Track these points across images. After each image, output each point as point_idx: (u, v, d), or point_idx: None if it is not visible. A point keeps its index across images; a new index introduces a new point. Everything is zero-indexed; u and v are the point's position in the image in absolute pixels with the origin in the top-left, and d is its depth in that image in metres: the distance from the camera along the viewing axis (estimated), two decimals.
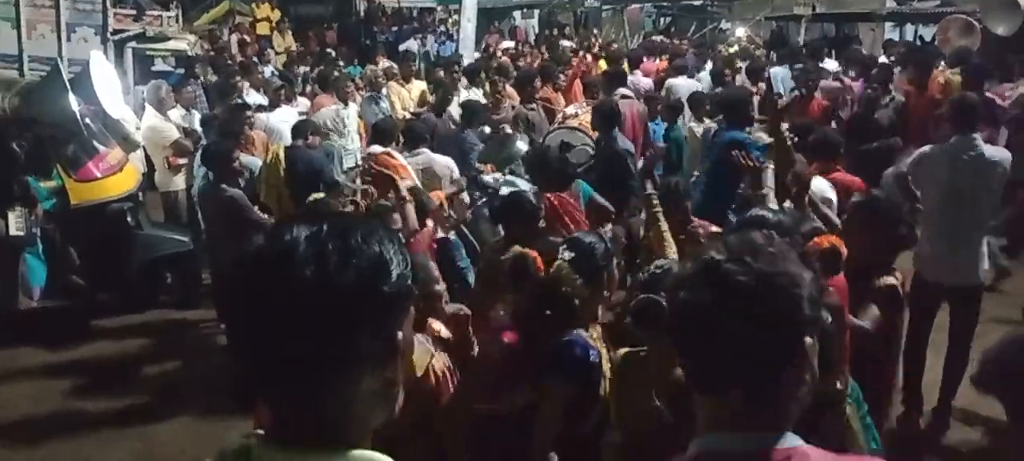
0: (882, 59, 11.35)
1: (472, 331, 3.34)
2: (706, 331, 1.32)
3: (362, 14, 18.56)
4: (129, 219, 6.73)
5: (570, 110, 8.24)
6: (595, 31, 16.34)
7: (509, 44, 14.02)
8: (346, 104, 8.25)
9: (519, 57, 12.45)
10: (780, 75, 10.72)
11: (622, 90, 8.23)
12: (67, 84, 6.61)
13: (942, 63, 9.48)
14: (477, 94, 9.14)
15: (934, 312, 4.94)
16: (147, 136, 7.53)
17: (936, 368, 4.96)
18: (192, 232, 7.12)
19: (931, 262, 4.86)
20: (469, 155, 6.64)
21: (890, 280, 3.76)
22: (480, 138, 7.61)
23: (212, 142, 6.62)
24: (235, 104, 7.82)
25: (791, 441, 1.30)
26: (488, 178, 6.50)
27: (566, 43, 13.88)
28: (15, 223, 6.20)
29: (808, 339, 1.30)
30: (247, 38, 14.40)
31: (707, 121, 7.47)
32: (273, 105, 8.31)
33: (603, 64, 11.04)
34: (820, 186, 4.80)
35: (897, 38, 15.52)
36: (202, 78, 10.51)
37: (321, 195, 4.94)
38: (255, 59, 11.84)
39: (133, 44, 10.46)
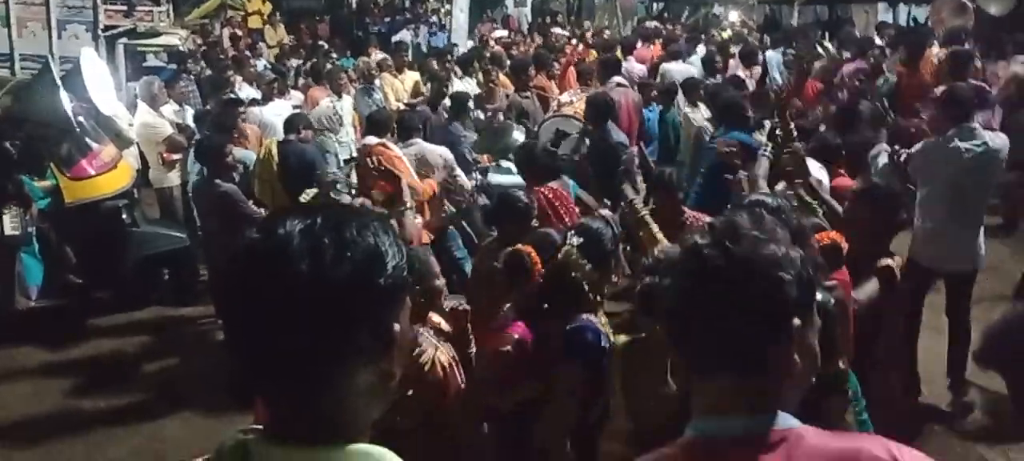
0: (877, 41, 11.34)
1: (471, 328, 3.34)
2: (691, 316, 1.33)
3: (354, 6, 18.49)
4: (124, 216, 6.72)
5: (564, 98, 8.23)
6: (587, 22, 16.29)
7: (502, 33, 13.96)
8: (340, 96, 8.24)
9: (512, 46, 12.41)
10: (774, 60, 10.72)
11: (616, 79, 8.20)
12: (58, 82, 6.58)
13: (935, 44, 9.47)
14: (471, 84, 9.12)
15: (925, 294, 4.98)
16: (140, 132, 7.50)
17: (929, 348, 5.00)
18: (188, 228, 7.11)
19: (932, 248, 4.88)
20: (457, 147, 6.63)
21: (888, 262, 3.81)
22: (477, 126, 7.61)
23: (205, 137, 6.60)
24: (227, 99, 7.79)
25: (786, 422, 1.30)
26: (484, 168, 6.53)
27: (559, 31, 13.84)
28: (10, 223, 6.19)
29: (796, 320, 1.29)
30: (239, 32, 14.36)
31: (702, 112, 7.44)
32: (266, 99, 8.28)
33: (594, 53, 11.00)
34: (811, 167, 4.81)
35: (891, 19, 15.49)
36: (194, 73, 10.48)
37: (314, 191, 4.91)
38: (247, 53, 11.80)
39: (124, 40, 10.40)
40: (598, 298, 3.26)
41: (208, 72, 10.41)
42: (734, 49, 10.92)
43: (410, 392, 2.91)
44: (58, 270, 6.61)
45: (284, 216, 1.13)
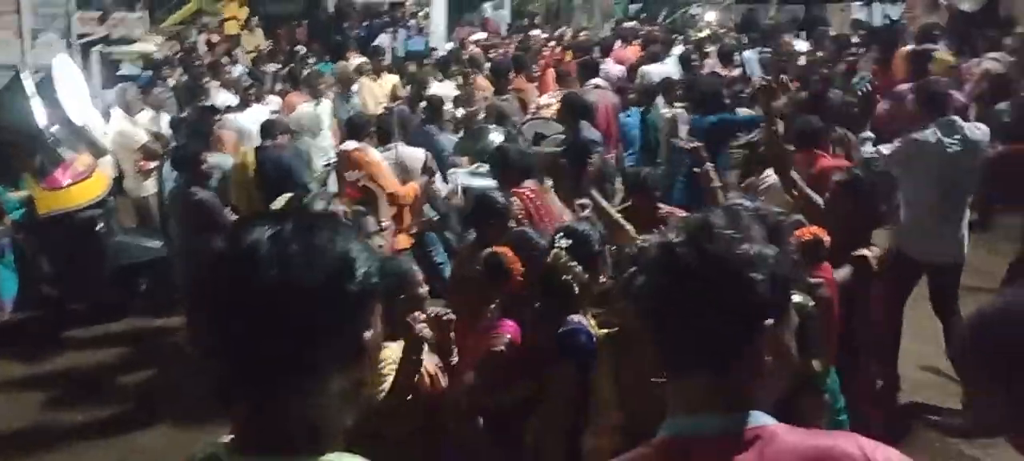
0: (855, 39, 11.46)
1: (454, 335, 3.33)
2: (665, 313, 1.33)
3: (332, 10, 18.42)
4: (100, 226, 6.63)
5: (543, 100, 8.25)
6: (564, 27, 16.32)
7: (481, 35, 13.95)
8: (318, 101, 8.20)
9: (491, 48, 12.40)
10: (751, 59, 10.80)
11: (594, 81, 8.24)
12: (29, 91, 6.50)
13: (911, 42, 9.58)
14: (449, 86, 9.10)
15: (912, 288, 5.02)
16: (115, 141, 7.43)
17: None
18: (165, 237, 7.04)
19: (918, 240, 4.94)
20: (433, 148, 6.64)
21: (864, 252, 3.87)
22: (456, 126, 7.61)
23: (181, 145, 6.55)
24: (204, 106, 7.74)
25: (759, 420, 1.30)
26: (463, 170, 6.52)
27: (537, 33, 13.85)
28: None
29: (770, 320, 1.29)
30: (215, 38, 14.25)
31: (676, 107, 7.49)
32: (243, 105, 8.23)
33: (572, 55, 11.03)
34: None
35: (865, 18, 15.63)
36: (170, 80, 10.40)
37: (288, 196, 4.86)
38: (224, 59, 11.73)
39: (99, 47, 10.31)
40: (589, 298, 3.28)
41: (184, 79, 10.33)
42: (710, 48, 10.98)
43: (408, 399, 2.93)
44: (33, 282, 6.52)
45: (252, 224, 1.12)
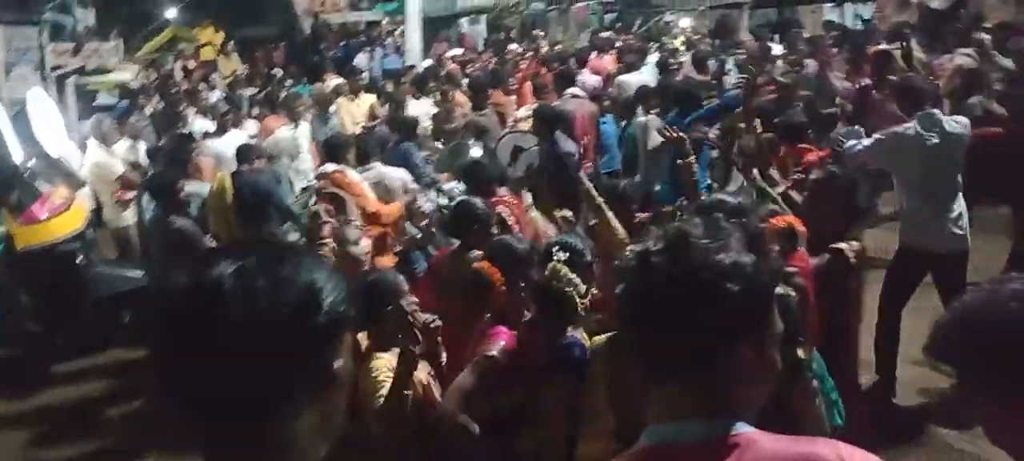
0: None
1: (442, 341, 3.34)
2: (644, 322, 1.34)
3: (308, 32, 18.41)
4: (79, 259, 6.59)
5: (521, 113, 8.26)
6: (541, 33, 16.36)
7: (458, 52, 13.98)
8: (296, 124, 8.18)
9: (468, 64, 12.42)
10: (727, 64, 10.84)
11: (572, 90, 8.27)
12: (5, 126, 6.46)
13: (883, 42, 9.68)
14: (427, 104, 9.11)
15: (916, 282, 5.06)
16: (93, 172, 7.39)
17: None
18: (146, 266, 6.99)
19: (917, 232, 5.03)
20: (410, 167, 6.65)
21: (841, 244, 3.92)
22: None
23: (158, 173, 6.52)
24: (180, 133, 7.71)
25: (740, 428, 1.31)
26: (446, 186, 6.50)
27: (514, 46, 13.89)
28: None
29: (750, 328, 1.30)
30: (191, 64, 14.21)
31: (652, 114, 7.54)
32: (221, 130, 8.20)
33: (546, 68, 11.08)
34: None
35: (838, 18, 15.78)
36: (147, 108, 10.35)
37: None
38: (200, 85, 11.69)
39: (74, 78, 10.26)
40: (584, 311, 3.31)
41: (161, 106, 10.28)
42: (686, 56, 11.04)
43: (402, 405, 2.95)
44: (15, 318, 6.46)
45: (216, 258, 1.11)
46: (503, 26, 18.71)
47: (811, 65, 9.06)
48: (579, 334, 3.20)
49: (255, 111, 10.00)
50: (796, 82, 7.67)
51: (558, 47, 13.65)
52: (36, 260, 6.38)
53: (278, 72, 12.82)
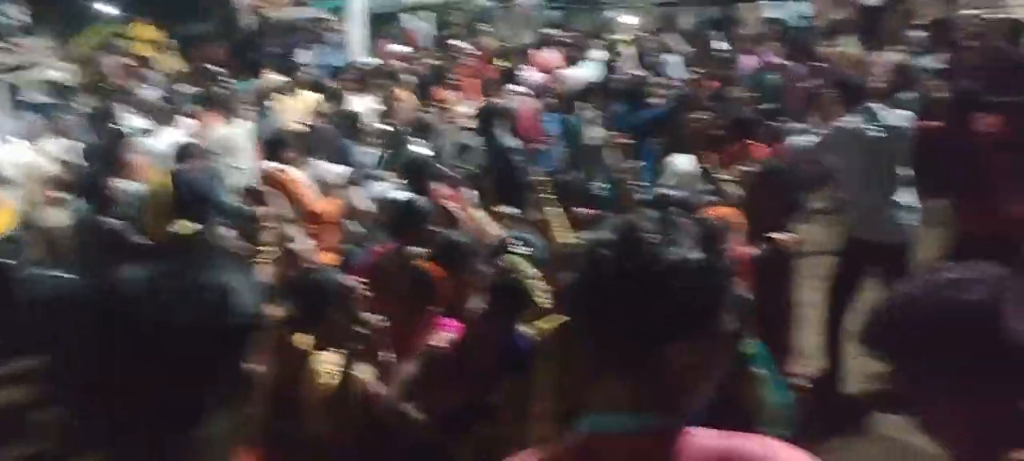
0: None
1: (390, 341, 3.31)
2: (587, 313, 1.35)
3: (250, 28, 18.07)
4: (10, 261, 6.38)
5: (465, 110, 8.24)
6: (488, 29, 16.34)
7: (402, 48, 13.86)
8: (236, 121, 8.02)
9: (413, 60, 12.33)
10: (671, 61, 10.97)
11: (516, 87, 8.27)
12: None
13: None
14: (369, 100, 9.02)
15: (861, 274, 5.15)
16: (23, 172, 7.14)
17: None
18: (78, 268, 6.77)
19: (862, 222, 5.13)
20: (349, 164, 6.59)
21: (779, 235, 4.00)
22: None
23: (91, 172, 6.34)
24: (113, 131, 7.51)
25: (676, 424, 1.31)
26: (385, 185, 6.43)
27: (459, 43, 13.84)
28: None
29: (696, 325, 1.30)
30: (127, 60, 13.83)
31: (594, 111, 7.60)
32: (157, 128, 8.00)
33: (494, 63, 11.08)
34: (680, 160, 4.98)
35: (783, 15, 16.07)
36: (80, 106, 10.04)
37: (197, 226, 4.71)
38: (136, 81, 11.40)
39: (3, 76, 9.91)
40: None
41: (95, 104, 9.99)
42: (630, 52, 11.14)
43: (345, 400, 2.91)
44: None
45: (127, 263, 1.09)
46: (449, 22, 18.63)
47: (748, 62, 9.23)
48: (531, 331, 3.19)
49: (193, 108, 9.76)
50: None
51: (505, 43, 13.65)
52: None
53: (217, 68, 12.55)
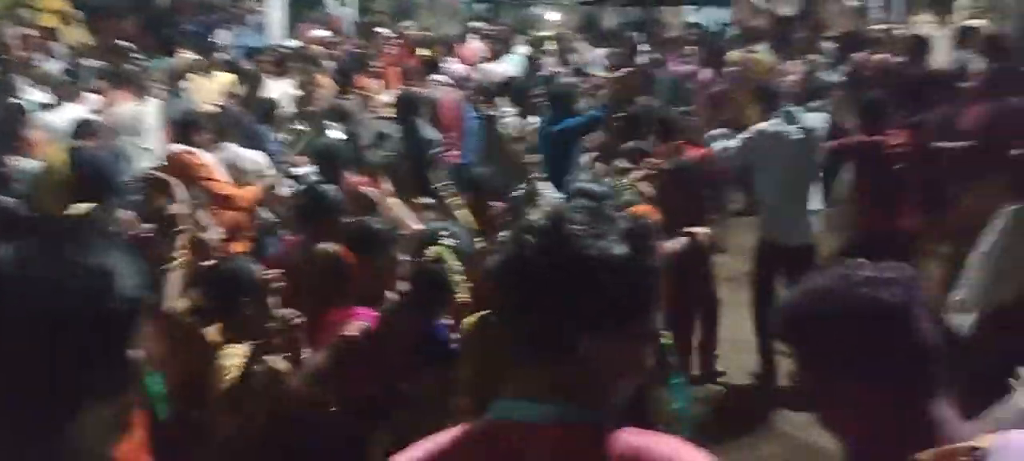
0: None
1: (304, 333, 3.23)
2: (509, 301, 1.35)
3: (165, 4, 17.42)
4: None
5: (386, 98, 8.14)
6: (410, 21, 16.20)
7: (323, 33, 13.60)
8: (144, 99, 7.71)
9: (333, 46, 12.11)
10: (592, 58, 11.11)
11: (438, 77, 8.21)
12: None
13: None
14: (286, 84, 8.81)
15: (774, 274, 5.30)
16: None
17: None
18: None
19: (776, 224, 5.33)
20: (264, 149, 6.43)
21: (690, 229, 4.11)
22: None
23: None
24: (11, 104, 7.12)
25: (589, 417, 1.30)
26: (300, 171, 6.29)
27: (383, 30, 13.67)
28: None
29: (618, 320, 1.29)
30: (29, 31, 13.15)
31: (512, 111, 7.63)
32: (58, 103, 7.63)
33: (417, 52, 10.99)
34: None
35: (702, 21, 16.43)
36: None
37: (91, 205, 4.48)
38: (38, 54, 10.86)
39: None
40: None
41: None
42: (553, 48, 11.22)
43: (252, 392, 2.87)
44: None
45: (14, 243, 1.01)
46: (372, 9, 18.40)
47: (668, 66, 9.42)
48: (450, 323, 3.18)
49: (99, 84, 9.34)
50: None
51: (428, 32, 13.55)
52: None
53: (126, 44, 12.05)
